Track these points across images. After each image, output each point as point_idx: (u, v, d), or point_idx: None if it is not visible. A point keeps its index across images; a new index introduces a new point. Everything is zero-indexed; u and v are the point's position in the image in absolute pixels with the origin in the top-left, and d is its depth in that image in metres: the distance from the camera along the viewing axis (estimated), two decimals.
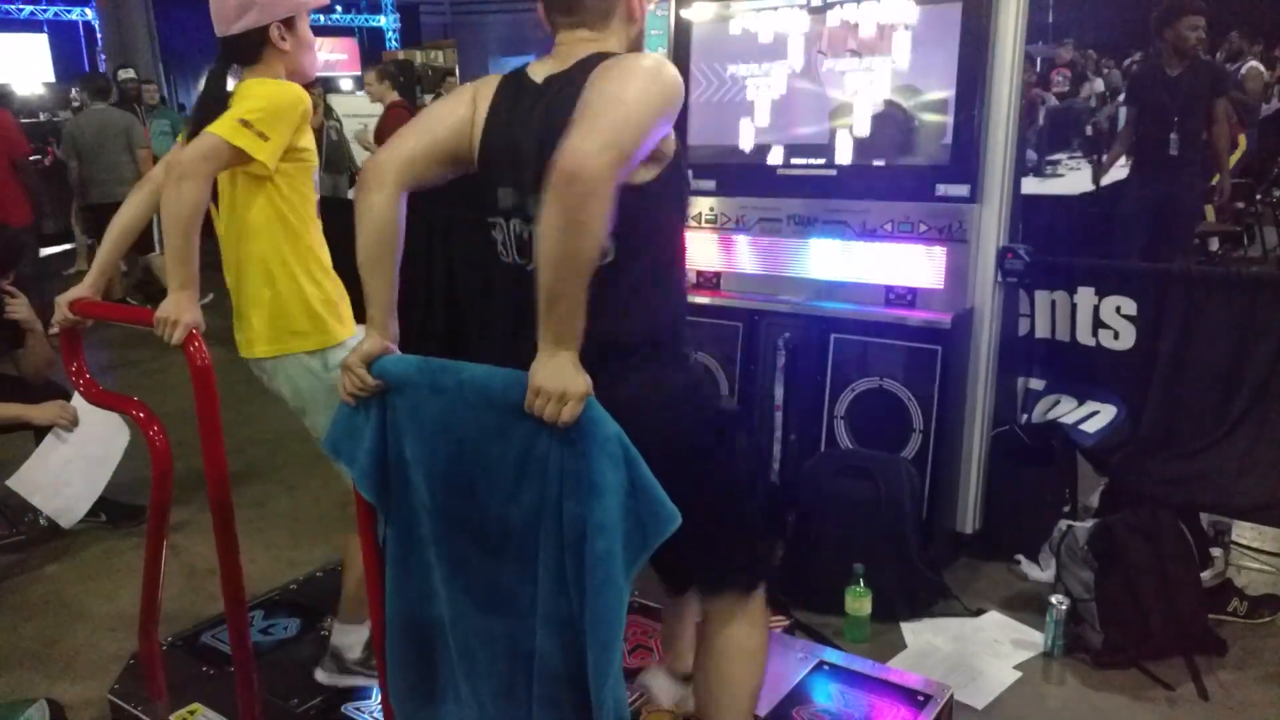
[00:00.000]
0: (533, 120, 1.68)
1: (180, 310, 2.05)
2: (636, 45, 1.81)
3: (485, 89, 1.79)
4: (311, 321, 2.26)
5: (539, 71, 1.75)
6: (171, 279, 2.08)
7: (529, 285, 1.53)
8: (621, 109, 1.47)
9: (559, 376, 1.46)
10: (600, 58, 1.65)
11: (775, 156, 3.40)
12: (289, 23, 2.28)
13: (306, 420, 2.35)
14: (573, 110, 1.50)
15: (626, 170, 1.46)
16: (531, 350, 1.49)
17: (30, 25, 15.62)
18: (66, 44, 16.00)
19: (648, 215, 1.65)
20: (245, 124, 2.11)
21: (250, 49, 2.27)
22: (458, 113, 1.77)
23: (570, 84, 1.62)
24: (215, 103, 2.23)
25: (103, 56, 15.55)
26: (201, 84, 2.54)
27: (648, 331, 1.71)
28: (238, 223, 2.26)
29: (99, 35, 15.80)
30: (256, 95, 2.19)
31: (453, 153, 1.75)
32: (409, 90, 12.03)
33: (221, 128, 2.10)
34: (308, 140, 2.29)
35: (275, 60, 2.28)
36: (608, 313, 1.57)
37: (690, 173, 1.78)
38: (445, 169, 1.77)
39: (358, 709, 2.40)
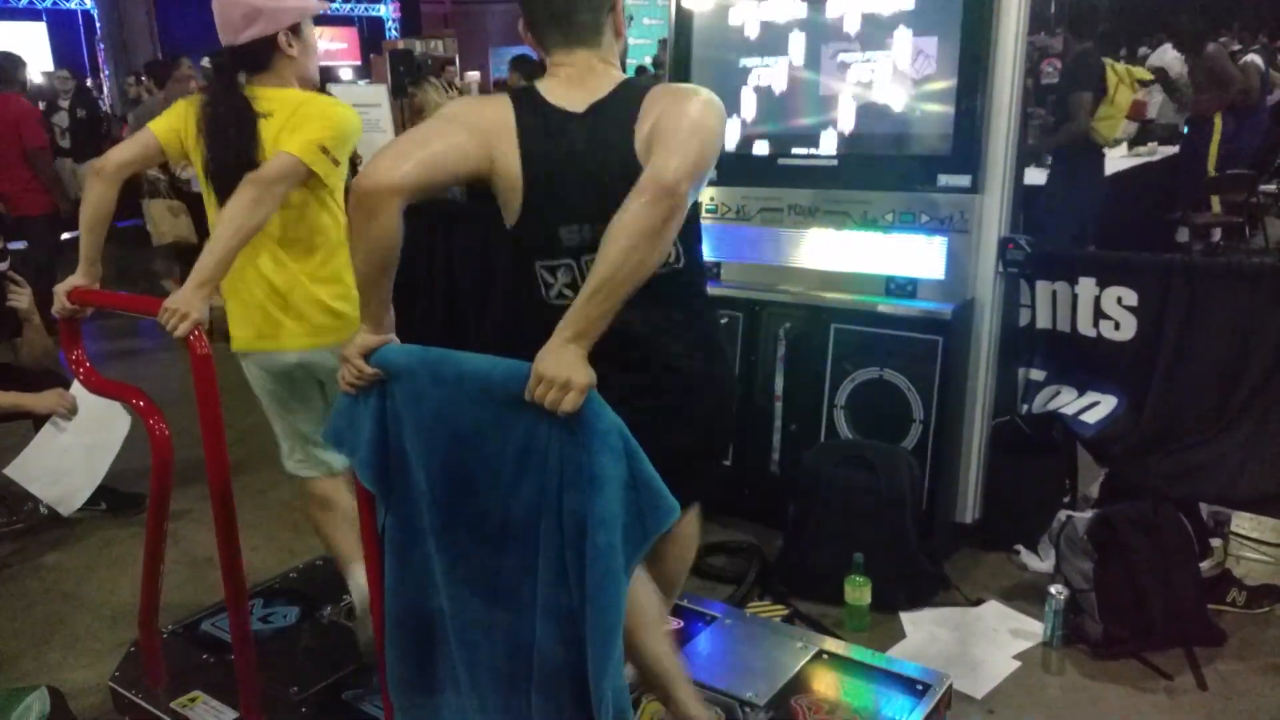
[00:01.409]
0: (587, 153, 1.70)
1: (191, 305, 2.07)
2: (623, 59, 1.84)
3: (498, 121, 1.71)
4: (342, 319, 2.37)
5: (564, 98, 1.73)
6: (198, 275, 2.11)
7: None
8: (698, 137, 1.57)
9: (565, 365, 1.46)
10: (638, 84, 1.74)
11: (776, 146, 3.39)
12: (295, 29, 2.31)
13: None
14: (632, 138, 1.63)
15: (701, 187, 1.59)
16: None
17: (29, 14, 15.55)
18: (65, 33, 15.93)
19: (694, 225, 1.82)
20: (324, 150, 2.22)
21: (259, 57, 2.30)
22: (458, 142, 1.67)
23: (620, 110, 1.68)
24: (238, 105, 2.25)
25: (101, 46, 15.51)
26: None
27: (707, 325, 1.92)
28: (292, 229, 2.32)
29: (98, 24, 15.75)
30: (331, 120, 2.27)
31: (442, 182, 1.69)
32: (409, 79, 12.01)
33: (302, 151, 2.19)
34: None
35: (283, 67, 2.32)
36: (681, 308, 1.80)
37: None
38: (431, 192, 1.74)
39: (357, 697, 2.40)
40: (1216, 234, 7.18)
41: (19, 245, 5.75)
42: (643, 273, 1.48)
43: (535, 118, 1.73)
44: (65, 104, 9.14)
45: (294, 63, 2.33)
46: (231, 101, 2.27)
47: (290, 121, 2.24)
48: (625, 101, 1.68)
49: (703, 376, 1.85)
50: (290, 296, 2.35)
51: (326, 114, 2.28)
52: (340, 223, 2.37)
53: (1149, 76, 5.24)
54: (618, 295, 1.48)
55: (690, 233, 1.77)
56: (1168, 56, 8.43)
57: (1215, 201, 7.04)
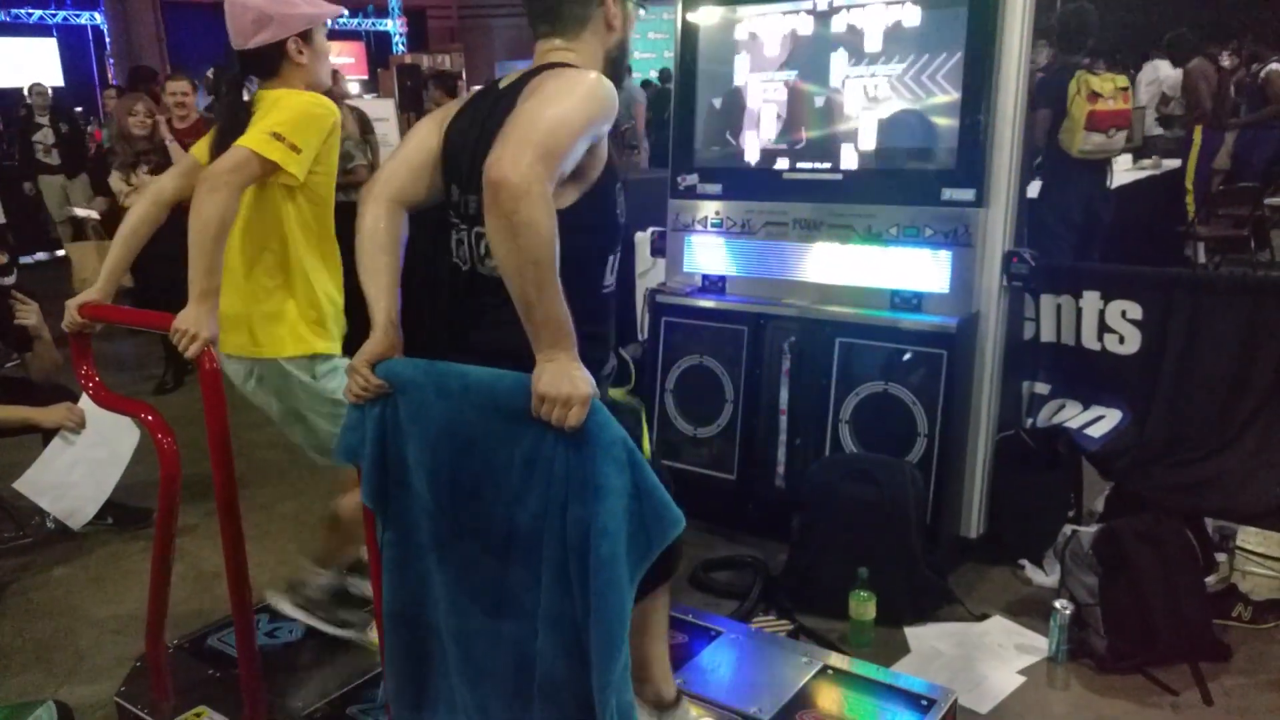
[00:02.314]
0: (479, 122, 1.74)
1: (200, 324, 2.07)
2: (618, 54, 1.85)
3: (455, 103, 1.87)
4: (309, 329, 2.34)
5: (508, 79, 1.80)
6: (193, 288, 2.10)
7: (472, 288, 1.71)
8: (542, 120, 1.50)
9: (562, 381, 1.47)
10: (545, 68, 1.70)
11: (781, 161, 3.41)
12: (305, 36, 2.32)
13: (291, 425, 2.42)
14: (506, 117, 1.55)
15: (556, 169, 1.49)
16: (475, 352, 1.59)
17: (40, 30, 15.67)
18: (76, 48, 16.05)
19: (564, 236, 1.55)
20: (277, 136, 2.15)
21: (268, 63, 2.30)
22: (424, 131, 1.83)
23: (515, 91, 1.67)
24: (238, 114, 2.26)
25: (111, 61, 15.61)
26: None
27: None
28: (258, 228, 2.30)
29: (108, 40, 15.86)
30: (287, 106, 2.22)
31: (424, 170, 1.81)
32: (416, 94, 12.07)
33: (253, 140, 2.13)
34: (333, 152, 2.33)
35: (292, 73, 2.32)
36: (505, 324, 1.59)
37: (622, 203, 1.80)
38: (425, 187, 1.82)
39: (362, 711, 2.41)
40: (1208, 250, 7.18)
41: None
42: (539, 263, 1.44)
43: (480, 94, 1.83)
44: (46, 119, 8.99)
45: (303, 70, 2.34)
46: (234, 113, 2.29)
47: (257, 115, 2.24)
48: (528, 80, 1.68)
49: None
50: (240, 301, 2.33)
51: (285, 103, 2.24)
52: (305, 220, 2.33)
53: (1125, 83, 5.20)
54: (541, 296, 1.46)
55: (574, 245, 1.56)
56: (1160, 72, 8.48)
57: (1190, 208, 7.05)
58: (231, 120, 2.26)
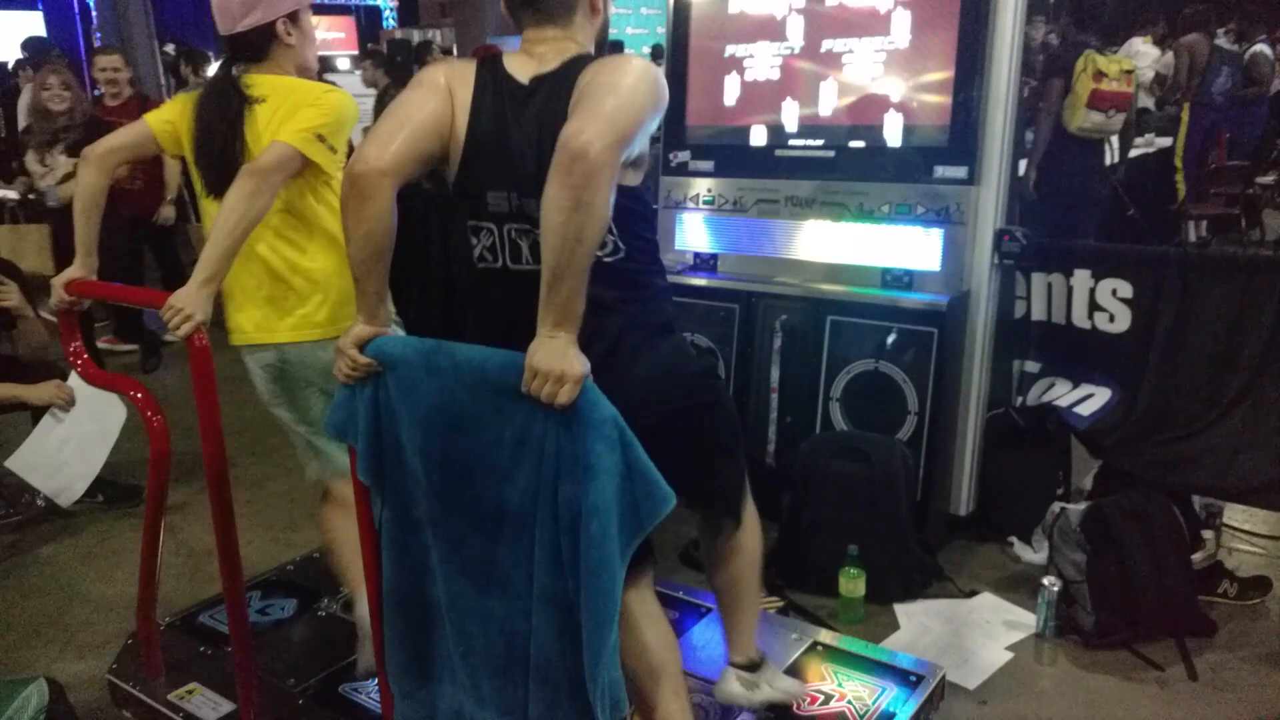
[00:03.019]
0: (525, 123, 1.70)
1: (196, 305, 2.06)
2: (602, 38, 1.85)
3: (459, 81, 1.78)
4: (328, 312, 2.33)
5: (520, 70, 1.76)
6: (201, 271, 2.08)
7: (522, 289, 1.62)
8: (617, 97, 1.52)
9: (558, 358, 1.47)
10: (586, 58, 1.70)
11: (773, 138, 3.40)
12: (293, 17, 2.29)
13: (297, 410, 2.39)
14: (566, 110, 1.55)
15: (624, 154, 1.51)
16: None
17: (25, 2, 15.50)
18: (62, 21, 15.87)
19: (646, 214, 1.76)
20: (320, 138, 2.18)
21: (257, 46, 2.28)
22: (433, 107, 1.75)
23: (562, 84, 1.65)
24: (230, 97, 2.24)
25: (98, 35, 15.44)
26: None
27: (655, 315, 1.85)
28: (294, 220, 2.29)
29: (94, 12, 15.68)
30: (325, 107, 2.23)
31: (433, 151, 1.76)
32: (405, 69, 11.96)
33: (297, 140, 2.15)
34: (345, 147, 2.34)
35: (282, 55, 2.31)
36: (628, 301, 1.76)
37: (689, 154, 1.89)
38: (425, 165, 1.78)
39: (355, 689, 2.42)
40: (1197, 228, 7.20)
41: None
42: (586, 243, 1.45)
43: (490, 83, 1.77)
44: None
45: (292, 51, 2.31)
46: (222, 91, 2.26)
47: (284, 109, 2.21)
48: (568, 75, 1.67)
49: (644, 351, 1.81)
50: (279, 288, 2.32)
51: (320, 101, 2.24)
52: (336, 213, 2.35)
53: (1130, 66, 5.23)
54: (573, 274, 1.47)
55: (630, 220, 1.74)
56: (1134, 49, 8.46)
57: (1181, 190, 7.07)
58: (222, 103, 2.24)
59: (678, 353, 1.91)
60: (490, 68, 1.78)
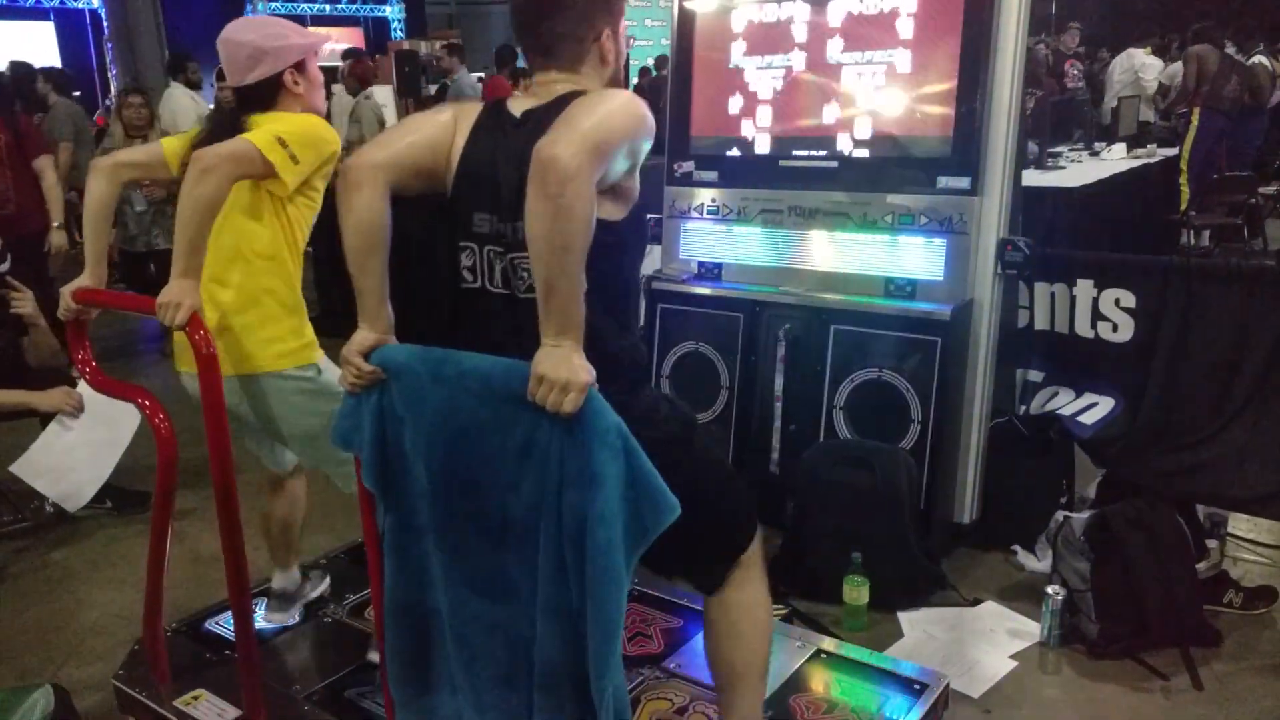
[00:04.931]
0: (511, 150, 1.72)
1: (182, 294, 2.08)
2: (614, 87, 1.85)
3: (466, 114, 1.84)
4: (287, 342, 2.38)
5: (518, 106, 1.80)
6: (176, 265, 2.10)
7: (500, 310, 1.70)
8: (592, 117, 1.54)
9: (563, 366, 1.48)
10: (577, 93, 1.71)
11: (777, 148, 3.41)
12: (299, 66, 2.33)
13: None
14: None
15: (600, 167, 1.51)
16: None
17: (37, 13, 15.61)
18: (73, 32, 15.99)
19: (612, 252, 1.69)
20: (282, 142, 2.17)
21: (264, 96, 2.33)
22: (438, 129, 1.81)
23: (550, 115, 1.65)
24: (226, 130, 2.26)
25: (109, 45, 15.54)
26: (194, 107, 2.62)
27: (603, 359, 1.61)
28: (237, 239, 2.31)
29: (105, 24, 15.78)
30: (296, 121, 2.26)
31: (429, 167, 1.79)
32: (414, 80, 12.01)
33: (258, 138, 2.15)
34: (323, 182, 2.34)
35: (290, 103, 2.35)
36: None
37: (646, 219, 1.90)
38: (419, 181, 1.80)
39: (360, 695, 2.42)
40: (1198, 237, 7.19)
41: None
42: (572, 248, 1.46)
43: (490, 118, 1.82)
44: None
45: (299, 99, 2.36)
46: (220, 122, 2.33)
47: (264, 125, 2.25)
48: (558, 107, 1.68)
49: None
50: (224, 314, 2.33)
51: (290, 117, 2.28)
52: (284, 239, 2.34)
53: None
54: (564, 281, 1.48)
55: (600, 252, 1.56)
56: (1138, 61, 8.46)
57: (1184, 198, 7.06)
58: (216, 135, 2.26)
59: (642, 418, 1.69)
60: (494, 106, 1.84)
